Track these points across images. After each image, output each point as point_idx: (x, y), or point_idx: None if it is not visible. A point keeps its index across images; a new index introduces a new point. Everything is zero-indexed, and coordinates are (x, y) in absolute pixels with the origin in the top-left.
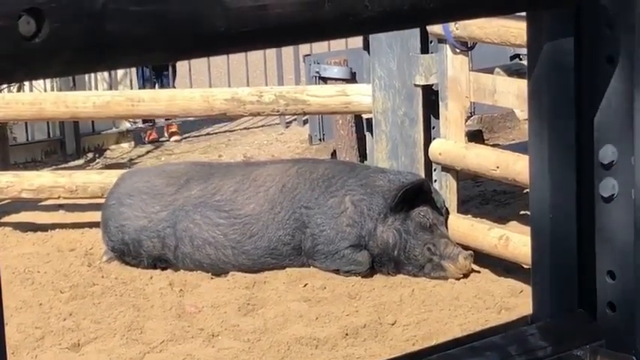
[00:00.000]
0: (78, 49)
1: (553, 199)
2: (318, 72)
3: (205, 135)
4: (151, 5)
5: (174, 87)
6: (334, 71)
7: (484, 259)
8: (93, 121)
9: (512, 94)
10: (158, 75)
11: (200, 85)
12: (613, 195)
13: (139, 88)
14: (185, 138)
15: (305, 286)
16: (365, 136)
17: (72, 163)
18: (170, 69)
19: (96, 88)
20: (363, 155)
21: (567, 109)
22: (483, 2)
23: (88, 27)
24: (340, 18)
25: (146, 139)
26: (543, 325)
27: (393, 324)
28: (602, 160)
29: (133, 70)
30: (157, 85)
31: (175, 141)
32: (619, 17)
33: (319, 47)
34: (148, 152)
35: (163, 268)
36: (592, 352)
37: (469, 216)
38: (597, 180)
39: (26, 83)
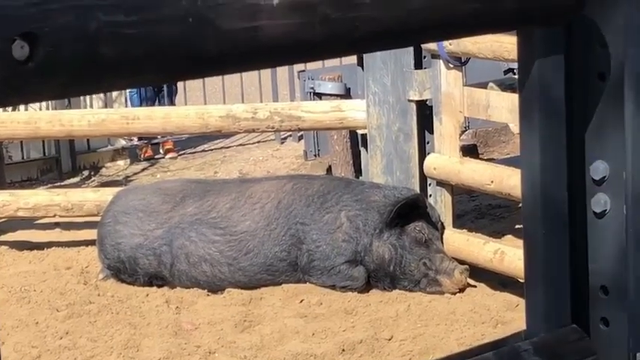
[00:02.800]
0: (72, 72)
1: (545, 214)
2: (312, 88)
3: (201, 152)
4: (144, 28)
5: (173, 104)
6: (329, 87)
7: (480, 273)
8: (88, 139)
9: (505, 108)
10: (156, 94)
11: (195, 102)
12: (605, 210)
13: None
14: (181, 155)
15: (301, 302)
16: (360, 151)
17: (68, 181)
18: (165, 88)
19: (91, 106)
20: (358, 171)
21: (558, 124)
22: (472, 21)
23: (82, 50)
24: (331, 39)
25: (142, 156)
26: (537, 341)
27: (389, 339)
28: (593, 176)
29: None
30: (156, 103)
31: (171, 158)
32: (610, 34)
33: (314, 63)
34: (143, 169)
35: (159, 286)
36: None
37: (464, 230)
38: (589, 195)
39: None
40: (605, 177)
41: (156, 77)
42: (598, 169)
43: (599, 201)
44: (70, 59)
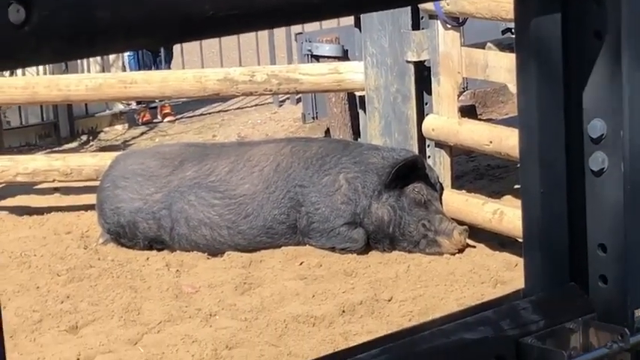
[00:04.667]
0: (67, 36)
1: (543, 173)
2: (310, 50)
3: (199, 115)
4: None
5: (169, 69)
6: (326, 49)
7: (479, 233)
8: (86, 104)
9: (504, 68)
10: (154, 59)
11: (192, 65)
12: (603, 169)
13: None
14: (179, 119)
15: (301, 264)
16: (358, 113)
17: (66, 146)
18: (163, 52)
19: (88, 70)
20: (356, 133)
21: (555, 84)
22: None
23: (77, 14)
24: None
25: (140, 120)
26: (536, 299)
27: (389, 300)
28: (591, 134)
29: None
30: (153, 69)
31: (169, 122)
32: None
33: (311, 25)
34: (142, 134)
35: (159, 250)
36: (584, 325)
37: (463, 191)
38: (587, 154)
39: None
40: (602, 135)
41: (151, 40)
42: (595, 127)
43: (597, 159)
44: (65, 23)
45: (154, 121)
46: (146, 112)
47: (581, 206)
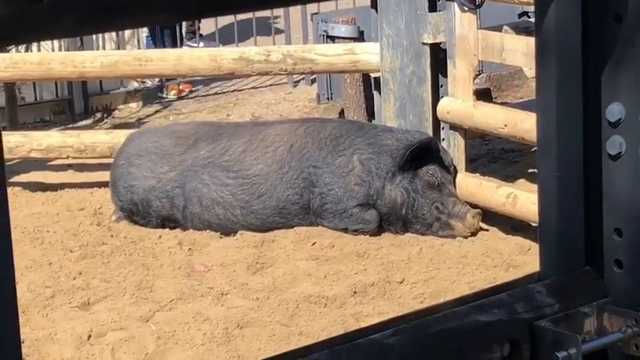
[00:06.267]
0: (84, 10)
1: (560, 157)
2: (325, 31)
3: (213, 94)
4: None
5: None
6: (342, 30)
7: (492, 217)
8: (101, 81)
9: (520, 52)
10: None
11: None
12: (620, 153)
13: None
14: (193, 97)
15: (313, 244)
16: (373, 95)
17: (80, 123)
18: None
19: (103, 47)
20: (371, 114)
21: (574, 67)
22: None
23: None
24: None
25: (174, 93)
26: (550, 283)
27: (401, 282)
28: (609, 118)
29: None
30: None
31: (183, 90)
32: None
33: (327, 6)
34: (155, 112)
35: (172, 228)
36: (599, 309)
37: (477, 174)
38: (604, 138)
39: (34, 43)
40: (620, 119)
41: (168, 17)
42: (614, 111)
43: (615, 143)
44: None
45: (169, 99)
46: (175, 86)
47: (598, 190)
